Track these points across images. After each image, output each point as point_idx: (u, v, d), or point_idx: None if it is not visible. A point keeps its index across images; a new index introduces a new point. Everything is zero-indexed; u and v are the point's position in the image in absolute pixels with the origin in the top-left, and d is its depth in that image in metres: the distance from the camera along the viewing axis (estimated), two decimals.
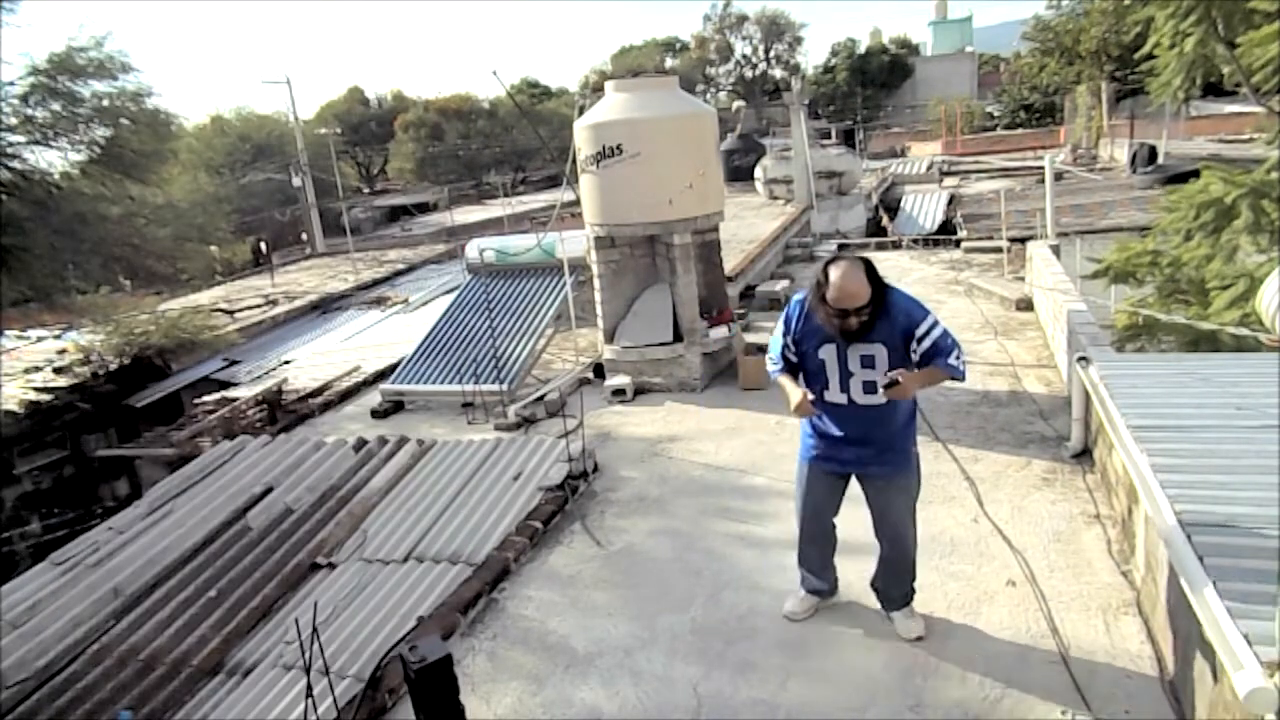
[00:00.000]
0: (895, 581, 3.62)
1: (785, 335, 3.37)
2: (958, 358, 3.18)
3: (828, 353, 3.26)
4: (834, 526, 3.65)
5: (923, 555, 4.20)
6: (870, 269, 3.14)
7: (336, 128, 32.24)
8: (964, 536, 4.37)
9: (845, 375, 3.27)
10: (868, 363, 3.22)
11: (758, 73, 46.86)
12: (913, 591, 3.64)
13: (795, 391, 3.31)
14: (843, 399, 3.30)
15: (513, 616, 4.15)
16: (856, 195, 17.61)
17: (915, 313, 3.19)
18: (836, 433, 3.38)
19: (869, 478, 3.46)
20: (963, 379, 3.26)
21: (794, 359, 3.38)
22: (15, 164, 10.64)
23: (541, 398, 7.26)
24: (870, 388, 3.22)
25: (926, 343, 3.16)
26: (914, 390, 3.21)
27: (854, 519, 4.81)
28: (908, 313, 3.18)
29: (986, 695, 3.19)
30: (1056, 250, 8.88)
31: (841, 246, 13.54)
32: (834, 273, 3.10)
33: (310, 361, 10.71)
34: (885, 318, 3.15)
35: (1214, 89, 11.06)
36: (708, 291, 7.78)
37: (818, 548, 3.71)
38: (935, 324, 3.19)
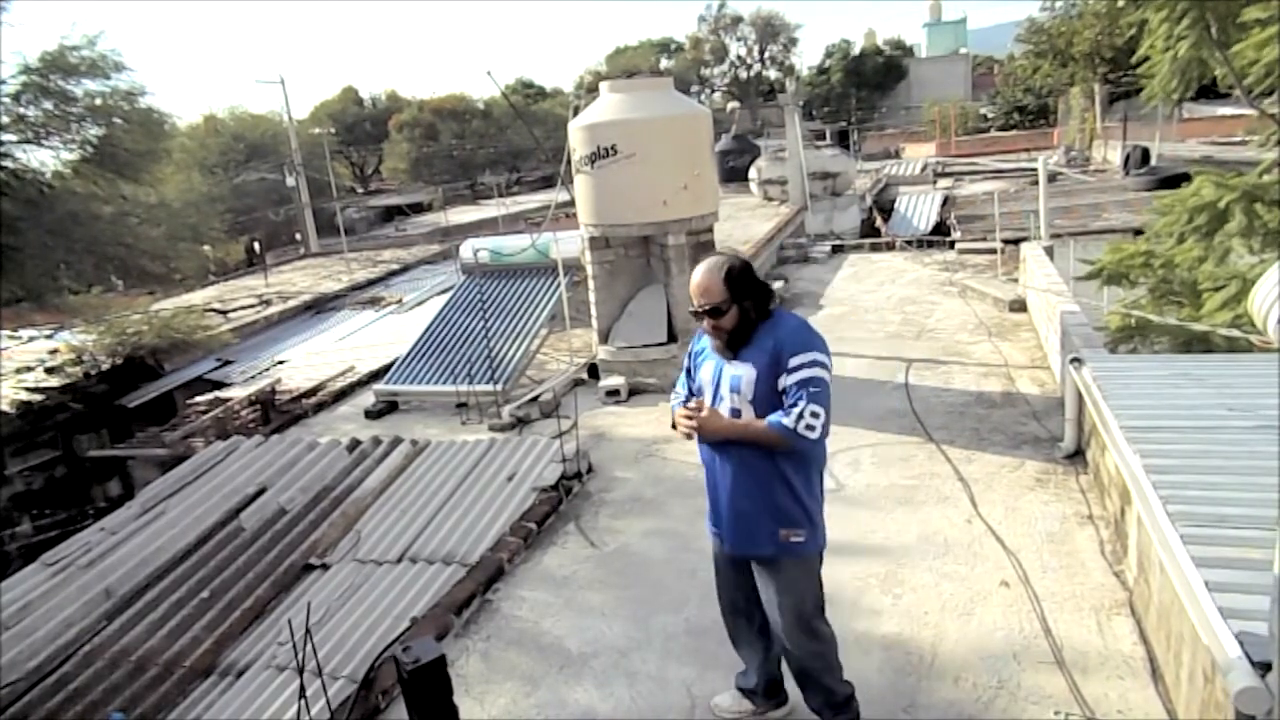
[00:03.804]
0: (808, 686, 2.93)
1: (687, 362, 2.97)
2: (801, 419, 2.52)
3: (707, 371, 2.79)
4: (756, 620, 2.95)
5: (917, 556, 4.22)
6: (734, 271, 2.66)
7: (331, 127, 32.21)
8: (958, 537, 4.38)
9: (715, 399, 2.74)
10: (735, 385, 2.67)
11: (752, 74, 46.96)
12: (845, 705, 2.94)
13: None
14: None
15: (507, 617, 4.14)
16: (851, 196, 17.65)
17: (799, 339, 2.61)
18: (711, 485, 2.84)
19: (753, 560, 2.83)
20: (803, 448, 2.60)
21: (690, 387, 2.94)
22: (7, 163, 10.61)
23: (536, 398, 7.26)
24: (735, 416, 2.68)
25: (793, 379, 2.56)
26: (711, 430, 2.66)
27: (845, 518, 4.81)
28: (788, 337, 2.62)
29: (980, 696, 3.19)
30: (1050, 252, 8.92)
31: (836, 248, 13.56)
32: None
33: (304, 362, 10.68)
34: (765, 336, 2.66)
35: (1207, 91, 11.11)
36: None
37: (741, 647, 3.13)
38: (814, 363, 2.57)
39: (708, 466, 2.84)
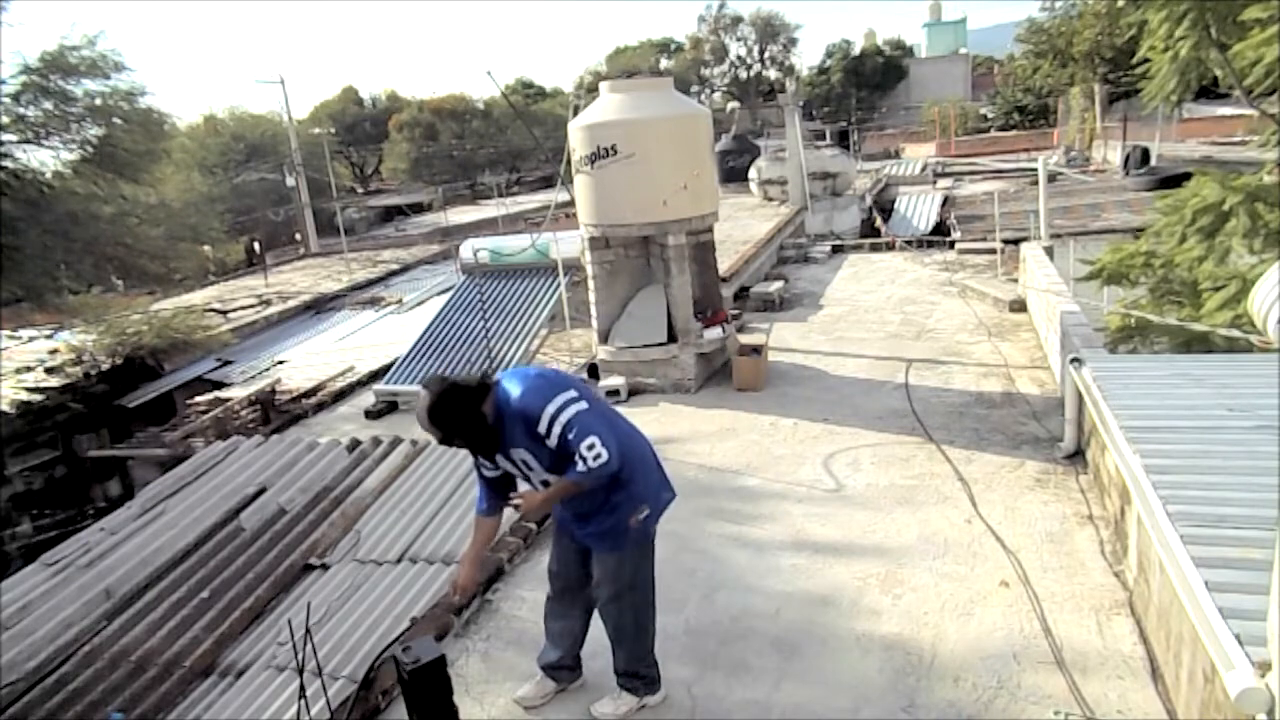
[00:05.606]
0: (619, 655, 3.33)
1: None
2: (585, 460, 2.78)
3: (504, 462, 3.03)
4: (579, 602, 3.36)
5: (917, 556, 4.22)
6: (436, 417, 2.84)
7: (331, 127, 32.24)
8: (957, 537, 4.38)
9: (526, 480, 3.06)
10: (529, 465, 2.96)
11: (752, 74, 46.97)
12: (639, 680, 3.31)
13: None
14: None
15: (506, 617, 4.15)
16: (851, 196, 17.64)
17: (532, 413, 2.82)
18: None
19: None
20: (610, 473, 2.85)
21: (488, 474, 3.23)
22: (7, 163, 10.61)
23: None
24: (546, 485, 3.00)
25: (553, 440, 2.82)
26: (536, 509, 3.08)
27: (845, 518, 4.81)
28: (524, 413, 2.83)
29: (979, 696, 3.19)
30: (1050, 252, 8.92)
31: (836, 248, 13.56)
32: None
33: (304, 362, 10.68)
34: (509, 425, 2.87)
35: (1206, 91, 11.11)
36: (702, 292, 7.78)
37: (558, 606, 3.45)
38: (555, 417, 2.80)
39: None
